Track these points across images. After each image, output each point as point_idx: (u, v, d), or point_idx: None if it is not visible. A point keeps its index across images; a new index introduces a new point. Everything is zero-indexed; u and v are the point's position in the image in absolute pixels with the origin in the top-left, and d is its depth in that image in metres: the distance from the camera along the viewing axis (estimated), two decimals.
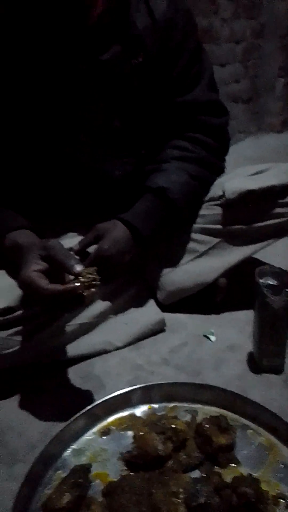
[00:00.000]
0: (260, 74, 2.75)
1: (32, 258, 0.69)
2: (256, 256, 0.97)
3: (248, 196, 0.88)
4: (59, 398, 0.77)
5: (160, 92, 0.88)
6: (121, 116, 0.87)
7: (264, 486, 0.54)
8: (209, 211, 0.95)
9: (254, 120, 2.80)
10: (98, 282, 0.66)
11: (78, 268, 0.66)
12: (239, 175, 0.94)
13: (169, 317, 0.96)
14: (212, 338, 0.90)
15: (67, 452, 0.65)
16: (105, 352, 0.89)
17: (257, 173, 0.93)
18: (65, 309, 0.72)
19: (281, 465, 0.59)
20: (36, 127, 0.84)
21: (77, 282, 0.65)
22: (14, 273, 0.79)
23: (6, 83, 0.80)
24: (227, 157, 1.00)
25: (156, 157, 0.95)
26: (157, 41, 0.84)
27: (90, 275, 0.66)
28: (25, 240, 0.76)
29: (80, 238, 0.86)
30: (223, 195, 0.91)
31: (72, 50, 0.79)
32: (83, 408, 0.69)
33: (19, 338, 0.79)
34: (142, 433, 0.62)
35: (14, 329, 0.78)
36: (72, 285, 0.64)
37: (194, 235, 0.97)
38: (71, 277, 0.67)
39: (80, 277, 0.65)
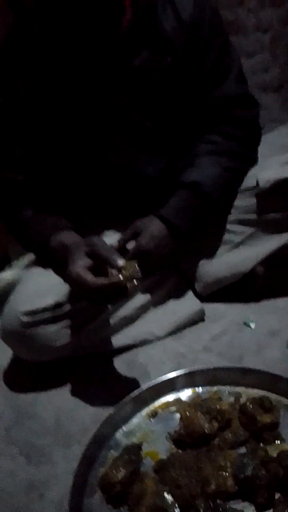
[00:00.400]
0: None
1: (78, 255, 0.74)
2: None
3: (281, 185, 0.89)
4: (107, 385, 0.82)
5: (190, 89, 0.91)
6: (153, 116, 0.90)
7: None
8: (244, 202, 0.97)
9: (286, 108, 2.75)
10: (140, 275, 0.70)
11: (121, 262, 0.70)
12: (272, 165, 0.95)
13: (208, 306, 0.98)
14: (252, 325, 0.92)
15: (118, 433, 0.69)
16: (148, 342, 0.93)
17: None
18: (110, 301, 0.77)
19: None
20: (72, 132, 0.89)
21: (121, 275, 0.69)
22: (60, 271, 0.85)
23: (42, 91, 0.86)
24: (259, 147, 1.01)
25: (188, 153, 0.97)
26: (184, 41, 0.86)
27: (131, 268, 0.70)
28: (70, 239, 0.81)
29: (118, 235, 0.90)
30: (257, 185, 0.92)
31: (104, 57, 0.83)
32: (131, 393, 0.73)
33: (68, 331, 0.84)
34: (188, 414, 0.65)
35: (63, 323, 0.84)
36: (116, 278, 0.69)
37: (229, 226, 0.99)
38: (114, 271, 0.71)
39: (122, 271, 0.70)
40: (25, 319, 0.81)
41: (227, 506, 0.54)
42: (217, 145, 0.94)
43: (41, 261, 0.91)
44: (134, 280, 0.69)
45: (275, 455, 0.58)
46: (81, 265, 0.72)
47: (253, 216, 0.96)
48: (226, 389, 0.74)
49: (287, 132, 2.54)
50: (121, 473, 0.58)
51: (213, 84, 0.92)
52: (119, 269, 0.70)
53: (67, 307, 0.83)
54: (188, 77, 0.89)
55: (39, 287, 0.86)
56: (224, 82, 0.92)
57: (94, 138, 0.90)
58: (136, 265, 0.71)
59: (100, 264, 0.73)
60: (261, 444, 0.62)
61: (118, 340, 0.91)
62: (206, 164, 0.93)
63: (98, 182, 0.95)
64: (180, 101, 0.91)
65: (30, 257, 1.44)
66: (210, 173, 0.92)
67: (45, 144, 0.90)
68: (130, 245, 0.88)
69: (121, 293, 0.70)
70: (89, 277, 0.70)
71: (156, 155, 0.95)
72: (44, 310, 0.82)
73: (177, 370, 0.79)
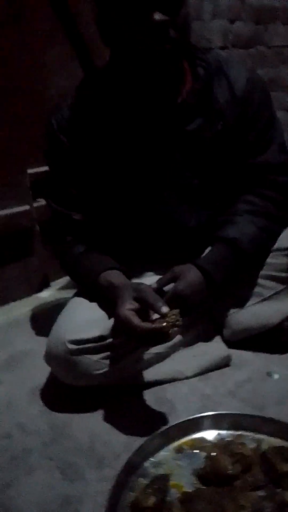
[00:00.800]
0: None
1: (126, 297, 0.84)
2: None
3: None
4: (137, 416, 0.90)
5: (235, 154, 1.01)
6: (200, 176, 1.00)
7: None
8: (276, 260, 1.05)
9: None
10: (181, 323, 0.79)
11: (165, 309, 0.79)
12: None
13: (235, 353, 1.06)
14: (275, 376, 0.99)
15: (147, 463, 0.76)
16: (176, 380, 1.00)
17: None
18: (152, 343, 0.85)
19: None
20: (126, 185, 0.99)
21: (164, 322, 0.78)
22: (106, 307, 0.94)
23: (104, 145, 0.97)
24: None
25: (228, 209, 1.07)
26: (235, 113, 0.97)
27: (174, 316, 0.79)
28: (118, 280, 0.91)
29: (157, 277, 0.99)
30: None
31: (163, 120, 0.94)
32: (158, 426, 0.81)
33: (107, 362, 0.92)
34: (214, 454, 0.72)
35: (103, 354, 0.92)
36: (160, 324, 0.77)
37: (260, 281, 1.07)
38: (157, 315, 0.80)
39: (166, 317, 0.78)
40: (71, 346, 0.90)
41: None
42: (254, 206, 1.03)
43: (88, 295, 1.00)
44: (176, 328, 0.78)
45: None
46: (129, 308, 0.82)
47: (284, 274, 1.04)
48: (248, 434, 0.80)
49: None
50: (152, 500, 0.65)
51: (257, 152, 1.02)
52: (163, 316, 0.79)
53: (109, 341, 0.92)
54: (235, 143, 0.99)
55: (86, 318, 0.95)
56: (267, 151, 1.02)
57: (146, 191, 1.00)
58: (178, 313, 0.80)
59: (145, 308, 0.83)
60: (279, 490, 0.68)
61: (149, 375, 0.99)
62: (244, 223, 1.02)
63: (144, 228, 1.05)
64: (225, 164, 1.01)
65: (67, 279, 1.55)
66: (247, 231, 1.01)
67: (100, 191, 1.01)
68: (168, 288, 0.97)
69: (163, 338, 0.79)
70: (136, 321, 0.79)
71: (199, 209, 1.04)
72: (89, 341, 0.91)
73: (202, 410, 0.86)
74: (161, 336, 0.78)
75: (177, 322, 0.78)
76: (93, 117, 0.96)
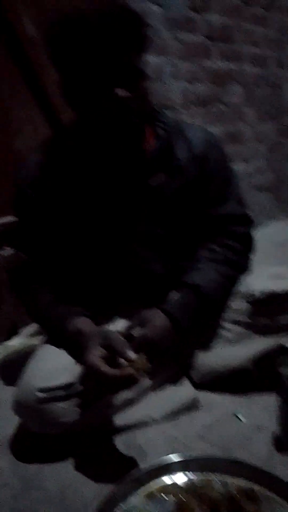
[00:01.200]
0: (285, 167, 3.01)
1: (94, 344, 0.87)
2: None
3: (272, 296, 1.04)
4: (108, 463, 0.90)
5: (196, 207, 1.07)
6: (164, 226, 1.06)
7: None
8: (239, 306, 1.11)
9: (281, 206, 3.01)
10: (149, 368, 0.82)
11: (132, 356, 0.83)
12: (263, 276, 1.11)
13: (203, 395, 1.08)
14: (242, 418, 1.02)
15: (118, 511, 0.77)
16: (146, 424, 1.01)
17: (277, 275, 1.09)
18: (120, 389, 0.88)
19: None
20: (97, 239, 1.03)
21: (132, 367, 0.80)
22: (74, 354, 0.96)
23: (72, 206, 1.00)
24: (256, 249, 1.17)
25: (191, 256, 1.13)
26: (194, 170, 1.04)
27: (142, 361, 0.82)
28: (86, 327, 0.94)
29: (124, 322, 1.02)
30: (253, 294, 1.07)
31: (128, 178, 1.00)
32: (128, 471, 0.81)
33: (76, 409, 0.93)
34: (183, 499, 0.74)
35: (72, 401, 0.93)
36: (128, 370, 0.80)
37: (226, 325, 1.12)
38: (125, 362, 0.83)
39: (133, 363, 0.81)
40: (40, 395, 0.90)
41: None
42: (216, 254, 1.09)
43: (56, 343, 1.02)
44: (145, 373, 0.81)
45: None
46: (96, 355, 0.85)
47: (246, 319, 1.10)
48: (216, 477, 0.82)
49: (281, 229, 2.78)
50: None
51: (216, 205, 1.09)
52: (130, 362, 0.82)
53: (78, 387, 0.93)
54: (196, 197, 1.06)
55: (55, 366, 0.96)
56: (226, 202, 1.10)
57: (114, 243, 1.04)
58: (145, 359, 0.83)
59: (113, 354, 0.85)
60: None
61: (119, 420, 1.00)
62: (207, 270, 1.07)
63: (112, 276, 1.08)
64: (188, 215, 1.07)
65: (35, 326, 1.55)
66: (210, 277, 1.06)
67: (68, 243, 1.04)
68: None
69: (130, 383, 0.82)
70: (104, 367, 0.82)
71: (165, 256, 1.09)
72: (58, 388, 0.92)
73: (172, 453, 0.88)
74: (128, 382, 0.81)
75: (145, 367, 0.81)
76: (60, 174, 1.01)
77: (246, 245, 1.13)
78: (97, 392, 0.95)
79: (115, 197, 1.01)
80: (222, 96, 2.36)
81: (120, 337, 0.87)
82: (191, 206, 1.06)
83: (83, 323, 0.96)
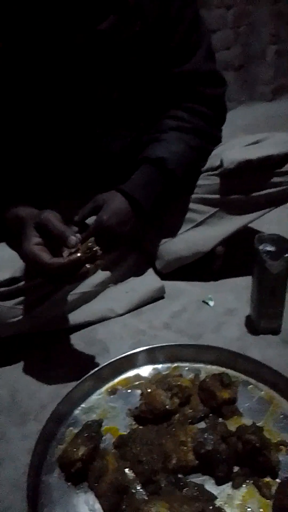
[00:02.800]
0: (251, 41, 2.71)
1: (31, 231, 0.70)
2: (251, 224, 1.00)
3: (246, 166, 0.89)
4: (66, 363, 0.80)
5: (157, 62, 0.88)
6: (119, 87, 0.87)
7: (266, 435, 0.58)
8: (207, 181, 0.96)
9: (245, 88, 2.78)
10: (99, 253, 0.67)
11: (73, 240, 0.66)
12: (237, 145, 0.95)
13: (168, 284, 0.98)
14: (211, 303, 0.93)
15: (78, 411, 0.68)
16: (107, 318, 0.91)
17: (254, 143, 0.93)
18: (68, 281, 0.73)
19: (281, 415, 0.64)
20: (35, 103, 0.83)
21: (79, 253, 0.65)
22: (16, 245, 0.81)
23: (5, 59, 0.79)
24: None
25: (153, 128, 0.95)
26: (155, 10, 0.83)
27: (89, 245, 0.67)
28: (24, 212, 0.77)
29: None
30: (221, 165, 0.92)
31: (69, 20, 0.77)
32: (90, 370, 0.72)
33: (24, 307, 0.81)
34: (149, 390, 0.65)
35: (18, 299, 0.80)
36: (74, 256, 0.65)
37: (192, 205, 0.99)
38: (72, 249, 0.68)
39: (79, 249, 0.66)
40: None
41: (188, 480, 0.55)
42: (183, 121, 0.93)
43: None
44: (96, 261, 0.67)
45: (233, 429, 0.59)
46: (35, 242, 0.69)
47: (216, 196, 0.96)
48: (186, 365, 0.75)
49: (247, 112, 2.58)
50: (81, 450, 0.58)
51: (181, 59, 0.90)
52: (74, 248, 0.67)
53: (23, 283, 0.80)
54: (157, 48, 0.86)
55: None
56: (193, 57, 0.90)
57: (59, 108, 0.85)
58: (94, 242, 0.68)
59: (51, 240, 0.70)
60: (220, 419, 0.64)
61: (76, 316, 0.89)
62: (172, 140, 0.92)
63: (61, 154, 0.91)
64: (147, 73, 0.88)
65: None
66: (175, 149, 0.91)
67: (9, 114, 0.84)
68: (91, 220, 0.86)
69: (80, 275, 0.67)
70: (45, 257, 0.67)
71: (121, 130, 0.92)
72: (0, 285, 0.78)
73: (136, 346, 0.79)
74: (76, 271, 0.66)
75: (97, 254, 0.67)
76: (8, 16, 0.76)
77: (217, 110, 0.96)
78: (47, 287, 0.83)
79: (56, 49, 0.78)
80: None
81: (60, 218, 0.70)
82: (151, 60, 0.87)
83: (21, 208, 0.78)
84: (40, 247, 0.68)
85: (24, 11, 0.75)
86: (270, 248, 0.77)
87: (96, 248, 0.66)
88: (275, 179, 0.92)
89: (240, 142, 0.96)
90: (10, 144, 0.87)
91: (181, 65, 0.90)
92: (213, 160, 0.97)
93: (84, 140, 0.90)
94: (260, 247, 0.77)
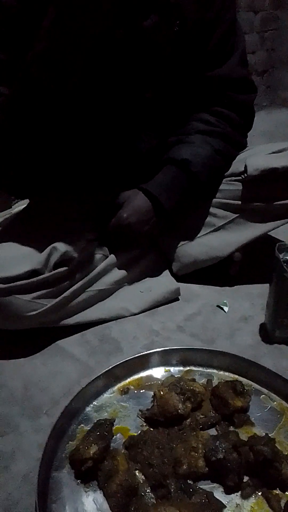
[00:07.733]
0: (276, 47, 2.69)
1: None
2: (270, 232, 0.99)
3: (269, 174, 0.88)
4: (79, 359, 0.81)
5: (192, 64, 0.88)
6: (153, 87, 0.87)
7: (277, 446, 0.58)
8: (229, 186, 0.96)
9: (268, 93, 2.76)
10: None
11: None
12: (261, 152, 0.94)
13: (184, 287, 0.98)
14: (226, 308, 0.93)
15: (89, 408, 0.69)
16: (121, 317, 0.91)
17: (279, 151, 0.93)
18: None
19: None
20: (69, 99, 0.83)
21: None
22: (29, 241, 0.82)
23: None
24: None
25: (180, 130, 0.95)
26: (195, 11, 0.83)
27: None
28: None
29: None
30: (244, 171, 0.91)
31: (113, 16, 0.77)
32: (102, 368, 0.72)
33: (42, 301, 0.81)
34: (162, 393, 0.65)
35: (36, 293, 0.81)
36: None
37: (212, 209, 0.98)
38: None
39: None
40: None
41: (197, 487, 0.55)
42: (210, 125, 0.93)
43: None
44: None
45: (245, 438, 0.59)
46: None
47: (237, 202, 0.95)
48: (198, 370, 0.75)
49: (268, 118, 2.56)
50: (93, 449, 0.58)
51: (215, 63, 0.90)
52: None
53: (43, 276, 0.81)
54: (193, 50, 0.86)
55: (12, 255, 0.82)
56: (227, 62, 0.90)
57: (93, 105, 0.85)
58: None
59: None
60: (231, 427, 0.63)
61: (91, 313, 0.90)
62: (198, 143, 0.92)
63: (88, 152, 0.92)
64: (181, 74, 0.88)
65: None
66: (201, 152, 0.91)
67: (41, 108, 0.82)
68: None
69: None
70: None
71: (150, 130, 0.93)
72: (19, 278, 0.79)
73: (149, 347, 0.80)
74: None
75: None
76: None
77: (245, 117, 0.95)
78: (65, 281, 0.84)
79: (97, 44, 0.77)
80: None
81: None
82: (186, 62, 0.87)
83: None
84: None
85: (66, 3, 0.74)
86: None
87: None
88: None
89: (265, 149, 0.96)
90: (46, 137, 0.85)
91: (214, 69, 0.90)
92: (236, 166, 0.96)
93: (113, 139, 0.91)
94: (281, 256, 0.77)
